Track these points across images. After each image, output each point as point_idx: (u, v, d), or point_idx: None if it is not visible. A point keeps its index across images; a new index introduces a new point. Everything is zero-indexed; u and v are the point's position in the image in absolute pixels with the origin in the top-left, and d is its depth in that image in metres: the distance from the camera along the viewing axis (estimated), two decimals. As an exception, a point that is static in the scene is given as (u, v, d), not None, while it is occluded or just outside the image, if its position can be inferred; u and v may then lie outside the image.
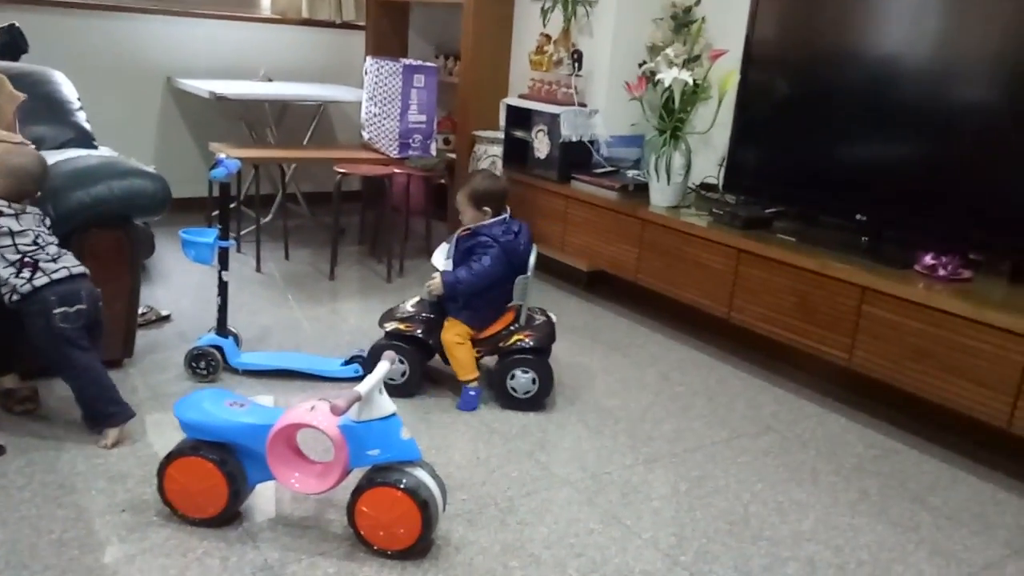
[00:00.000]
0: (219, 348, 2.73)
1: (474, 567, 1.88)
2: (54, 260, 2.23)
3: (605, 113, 3.91)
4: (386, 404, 1.86)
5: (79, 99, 3.19)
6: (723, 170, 3.50)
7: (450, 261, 2.75)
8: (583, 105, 3.90)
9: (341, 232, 4.23)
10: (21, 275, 2.18)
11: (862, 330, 2.71)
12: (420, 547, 1.88)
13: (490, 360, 2.78)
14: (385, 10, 5.02)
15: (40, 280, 2.19)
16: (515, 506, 2.14)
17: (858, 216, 2.98)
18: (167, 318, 3.18)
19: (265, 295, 3.60)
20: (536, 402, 2.71)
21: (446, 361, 2.74)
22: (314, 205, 4.98)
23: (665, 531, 2.08)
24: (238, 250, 4.20)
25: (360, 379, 1.91)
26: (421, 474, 1.88)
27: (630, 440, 2.55)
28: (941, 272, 2.68)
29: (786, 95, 3.25)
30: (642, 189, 3.65)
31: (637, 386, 2.97)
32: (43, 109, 2.96)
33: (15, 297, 2.19)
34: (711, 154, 3.65)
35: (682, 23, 3.65)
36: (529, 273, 2.73)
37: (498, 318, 2.76)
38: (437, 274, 2.72)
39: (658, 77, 3.38)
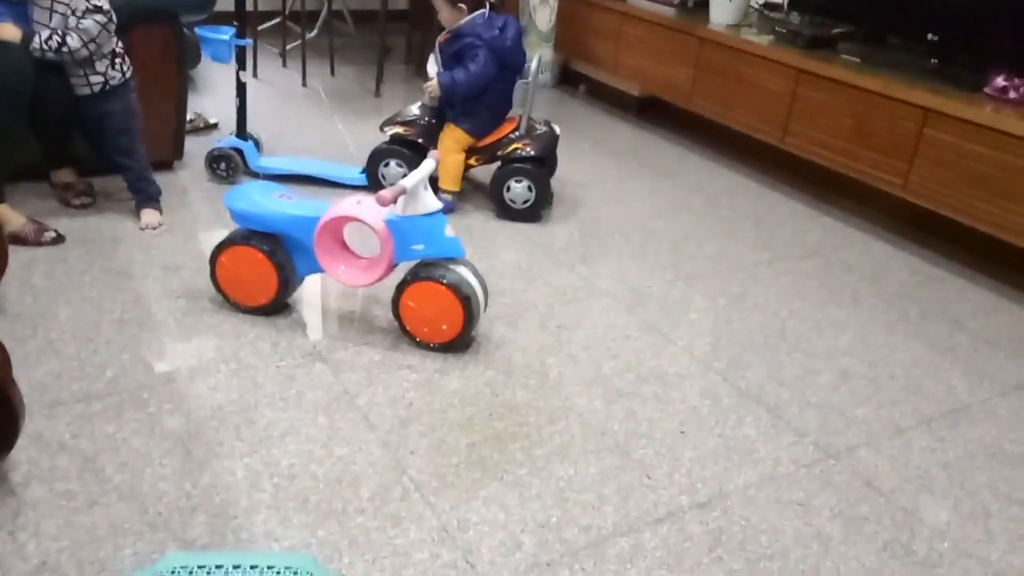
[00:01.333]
0: (239, 151, 2.74)
1: (512, 362, 1.95)
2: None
3: (667, -78, 3.64)
4: (431, 200, 1.87)
5: None
6: (790, -14, 3.29)
7: (439, 68, 2.68)
8: (644, -88, 3.64)
9: (387, 51, 4.13)
10: (115, 67, 2.27)
11: (920, 155, 2.61)
12: (461, 341, 1.95)
13: (488, 171, 2.75)
14: None
15: (128, 71, 2.32)
16: (555, 312, 2.19)
17: (929, 36, 2.80)
18: (215, 126, 3.20)
19: (311, 109, 3.58)
20: (533, 213, 2.69)
21: None
22: (360, 24, 4.84)
23: (701, 340, 2.12)
24: (283, 65, 4.15)
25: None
26: (464, 271, 1.92)
27: (672, 258, 2.56)
28: (1012, 95, 2.54)
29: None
30: (702, 7, 3.46)
31: (683, 209, 2.94)
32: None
33: (106, 88, 2.26)
34: (779, -31, 3.42)
35: None
36: (530, 79, 2.65)
37: (498, 125, 2.71)
38: (433, 77, 2.65)
39: None
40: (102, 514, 1.40)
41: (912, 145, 2.63)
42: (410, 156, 2.69)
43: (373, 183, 2.75)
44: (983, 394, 2.00)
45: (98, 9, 2.17)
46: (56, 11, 2.15)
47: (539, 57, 2.70)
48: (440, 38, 2.69)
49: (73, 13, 2.15)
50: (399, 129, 2.71)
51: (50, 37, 2.12)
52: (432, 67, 2.71)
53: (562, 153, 3.28)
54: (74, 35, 2.14)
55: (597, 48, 3.86)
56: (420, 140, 2.70)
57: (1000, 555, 1.51)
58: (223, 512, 1.43)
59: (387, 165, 2.72)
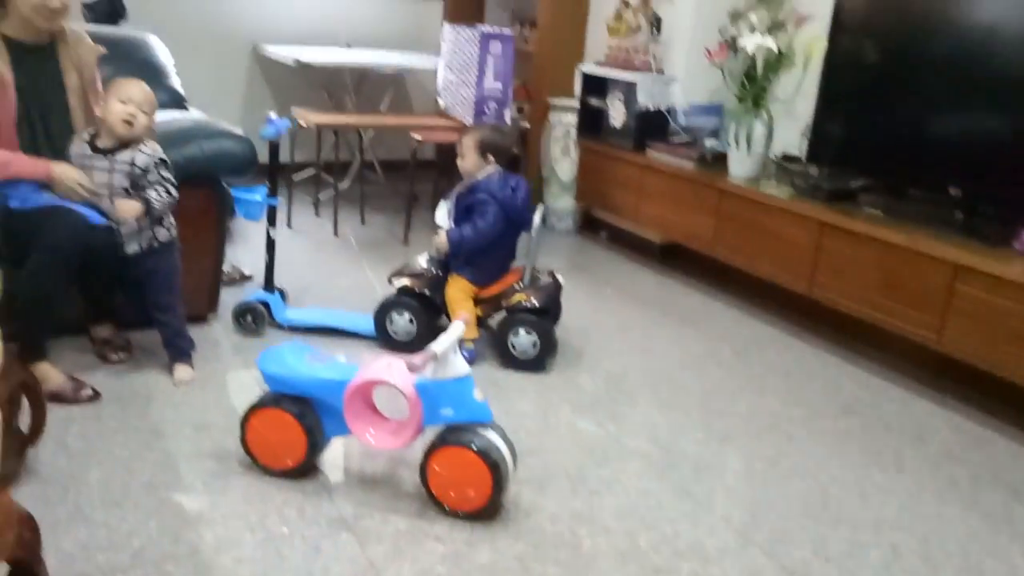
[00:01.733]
0: (265, 304, 2.79)
1: (543, 533, 1.88)
2: None
3: (684, 81, 3.82)
4: (460, 364, 1.87)
5: (173, 63, 3.27)
6: (807, 140, 3.39)
7: (450, 220, 2.77)
8: (661, 72, 3.82)
9: (415, 199, 4.27)
10: (163, 225, 2.37)
11: (953, 310, 2.60)
12: (490, 509, 1.89)
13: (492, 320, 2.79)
14: (464, -23, 5.01)
15: (173, 229, 2.41)
16: (585, 475, 2.14)
17: (952, 190, 2.85)
18: (248, 278, 3.27)
19: (342, 258, 3.66)
20: (537, 363, 2.69)
21: (449, 318, 2.76)
22: (389, 172, 5.03)
23: (739, 509, 2.04)
24: (316, 214, 4.29)
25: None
26: (493, 436, 1.90)
27: (703, 415, 2.51)
28: (1042, 251, 2.55)
29: (876, 61, 3.12)
30: (720, 159, 3.56)
31: (711, 360, 2.92)
32: (139, 72, 2.97)
33: (154, 245, 2.34)
34: (793, 124, 3.53)
35: (767, -12, 3.53)
36: (533, 232, 2.72)
37: (501, 276, 2.77)
38: (442, 231, 2.73)
39: (740, 44, 3.29)
40: None
41: (944, 299, 2.62)
42: (418, 307, 2.73)
43: (381, 334, 2.77)
44: (1045, 573, 1.89)
45: (164, 163, 2.32)
46: (116, 171, 2.27)
47: (543, 209, 2.79)
48: (457, 189, 2.79)
49: (145, 171, 2.28)
50: (407, 282, 2.77)
51: (159, 193, 2.27)
52: (441, 215, 2.80)
53: (586, 301, 3.32)
54: (170, 186, 2.30)
55: (618, 198, 3.97)
56: (427, 291, 2.74)
57: None
58: None
59: (394, 318, 2.75)
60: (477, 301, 2.75)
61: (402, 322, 2.74)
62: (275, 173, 2.78)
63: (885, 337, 2.96)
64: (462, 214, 2.74)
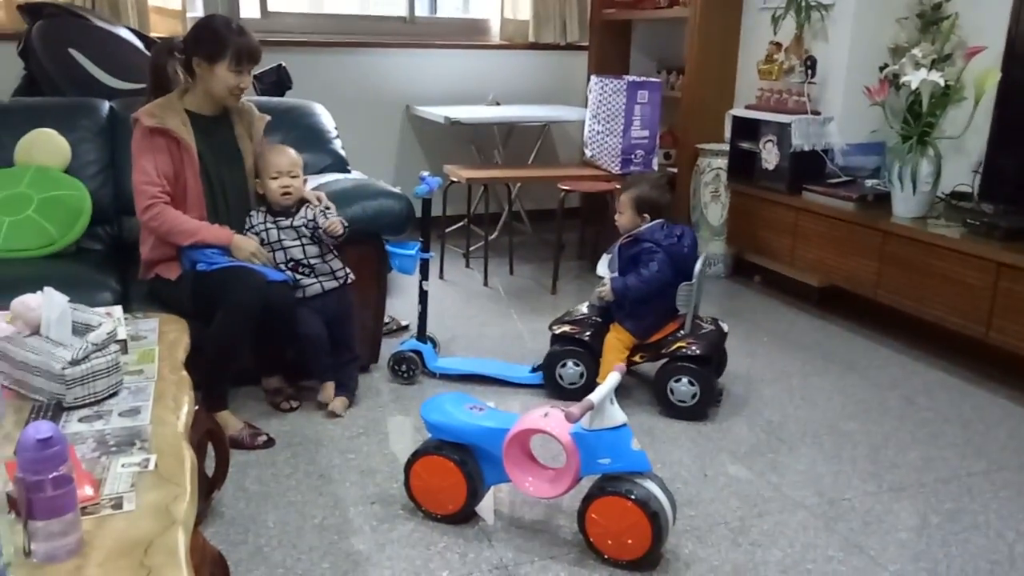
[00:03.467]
0: (418, 353, 2.90)
1: (705, 585, 1.84)
2: None
3: (841, 120, 3.70)
4: (617, 414, 1.88)
5: (335, 128, 3.51)
6: (979, 177, 3.19)
7: (614, 271, 2.76)
8: (816, 113, 3.72)
9: (562, 248, 4.34)
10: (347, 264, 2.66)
11: None
12: (649, 559, 1.88)
13: (652, 367, 2.75)
14: (608, 29, 5.09)
15: None
16: (746, 526, 2.08)
17: None
18: (406, 328, 3.42)
19: (491, 308, 3.76)
20: (697, 412, 2.63)
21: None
22: (536, 222, 5.13)
23: (915, 566, 1.92)
24: (466, 265, 4.43)
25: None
26: (651, 486, 1.88)
27: (871, 466, 2.39)
28: None
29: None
30: (882, 199, 3.41)
31: (878, 409, 2.77)
32: (306, 138, 3.27)
33: (347, 280, 2.63)
34: (963, 160, 3.34)
35: (930, 21, 3.38)
36: (694, 280, 2.67)
37: (663, 326, 2.73)
38: (607, 281, 2.73)
39: (904, 80, 3.16)
40: None
41: None
42: (584, 354, 2.75)
43: (551, 384, 2.81)
44: None
45: (328, 208, 2.59)
46: (295, 227, 2.54)
47: (704, 257, 2.75)
48: (621, 241, 2.81)
49: (317, 219, 2.55)
50: (567, 328, 2.81)
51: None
52: (603, 267, 2.81)
53: (741, 347, 3.24)
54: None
55: (772, 241, 3.87)
56: (588, 338, 2.76)
57: None
58: None
59: (564, 366, 2.78)
60: (637, 348, 2.74)
61: (572, 370, 2.77)
62: (428, 229, 2.91)
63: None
64: (627, 265, 2.74)
